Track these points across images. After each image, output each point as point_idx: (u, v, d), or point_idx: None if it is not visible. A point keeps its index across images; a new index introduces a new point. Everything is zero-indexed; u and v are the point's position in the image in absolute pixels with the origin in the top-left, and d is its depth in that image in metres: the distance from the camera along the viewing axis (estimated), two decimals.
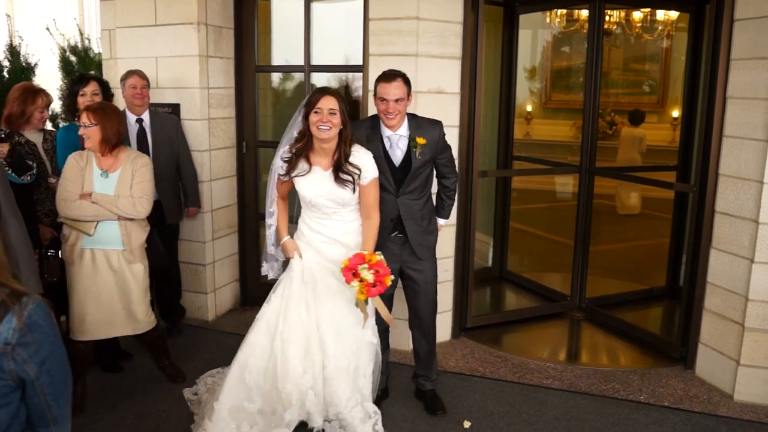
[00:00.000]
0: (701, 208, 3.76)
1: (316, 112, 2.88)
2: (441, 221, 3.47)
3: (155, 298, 4.43)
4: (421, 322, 3.43)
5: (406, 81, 3.09)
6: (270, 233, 3.23)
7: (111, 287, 3.31)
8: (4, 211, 2.61)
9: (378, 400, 3.43)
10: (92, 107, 3.24)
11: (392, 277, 2.97)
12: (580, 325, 4.71)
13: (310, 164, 2.98)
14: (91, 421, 3.29)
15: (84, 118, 3.19)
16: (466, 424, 3.31)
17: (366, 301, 2.97)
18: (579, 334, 4.64)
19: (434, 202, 3.43)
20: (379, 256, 2.91)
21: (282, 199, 3.20)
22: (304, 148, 2.98)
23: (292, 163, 2.99)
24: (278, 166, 3.06)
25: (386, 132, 3.14)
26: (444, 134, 3.24)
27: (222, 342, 4.28)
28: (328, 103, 2.87)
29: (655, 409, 3.50)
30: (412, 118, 3.20)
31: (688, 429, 3.31)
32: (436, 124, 3.21)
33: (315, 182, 2.98)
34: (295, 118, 3.03)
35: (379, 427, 3.14)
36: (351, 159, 2.97)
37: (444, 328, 4.29)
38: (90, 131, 3.18)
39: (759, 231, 3.39)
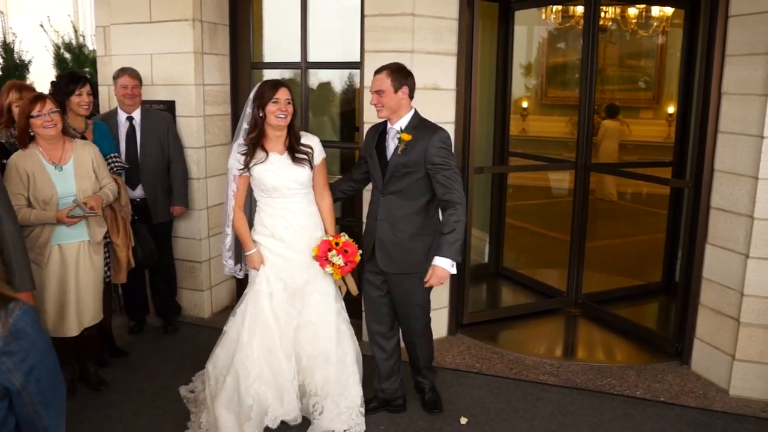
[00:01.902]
0: (697, 203, 3.77)
1: (275, 102, 3.00)
2: (437, 261, 2.94)
3: (151, 295, 4.44)
4: (403, 330, 3.41)
5: (393, 72, 3.01)
6: (228, 244, 3.30)
7: (80, 280, 3.31)
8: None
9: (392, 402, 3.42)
10: (45, 95, 3.23)
11: (360, 252, 3.12)
12: (576, 321, 4.72)
13: (266, 151, 3.08)
14: (88, 418, 3.29)
15: (49, 105, 3.16)
16: (463, 421, 3.31)
17: (343, 278, 3.22)
18: (575, 330, 4.66)
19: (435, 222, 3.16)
20: (344, 237, 3.08)
21: (240, 208, 3.19)
22: (258, 138, 3.07)
23: (249, 154, 3.06)
24: (235, 162, 3.10)
25: (389, 124, 3.15)
26: (439, 146, 2.98)
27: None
28: (285, 94, 3.02)
29: (651, 404, 3.51)
30: (416, 117, 3.10)
31: (684, 424, 3.32)
32: (433, 131, 3.02)
33: (274, 166, 3.07)
34: (244, 114, 3.13)
35: (355, 417, 3.18)
36: (302, 141, 3.14)
37: (440, 324, 4.30)
38: (56, 117, 3.19)
39: (754, 226, 3.40)
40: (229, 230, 3.28)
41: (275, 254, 3.13)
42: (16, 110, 3.49)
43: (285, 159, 3.09)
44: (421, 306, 3.25)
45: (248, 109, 3.11)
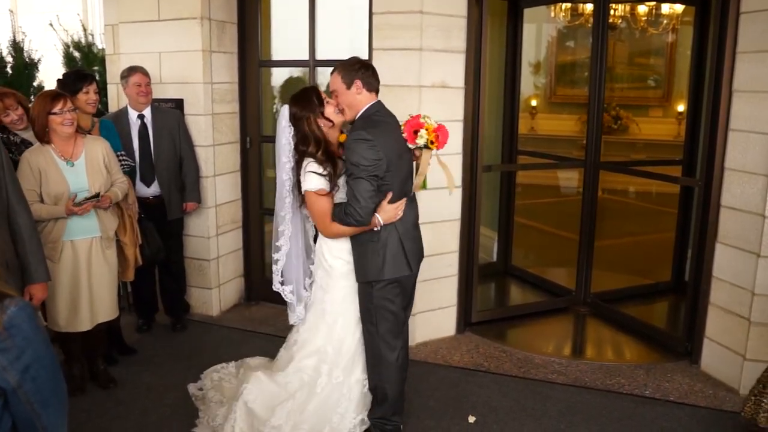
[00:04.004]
0: (707, 202, 3.75)
1: (328, 103, 2.87)
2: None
3: (160, 293, 4.46)
4: None
5: (343, 68, 2.80)
6: (280, 268, 3.06)
7: (92, 276, 3.35)
8: (12, 201, 2.65)
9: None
10: (65, 93, 3.27)
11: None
12: (585, 320, 4.70)
13: (339, 158, 2.88)
14: (97, 416, 3.30)
15: (69, 103, 3.21)
16: (471, 419, 3.30)
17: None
18: (584, 328, 4.64)
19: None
20: (434, 123, 2.90)
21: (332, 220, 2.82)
22: (326, 149, 2.86)
23: (335, 170, 2.81)
24: (319, 181, 2.78)
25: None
26: (348, 145, 2.71)
27: (227, 337, 4.29)
28: (323, 93, 2.92)
29: (661, 403, 3.49)
30: (364, 114, 2.83)
31: (694, 424, 3.30)
32: (355, 129, 2.77)
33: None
34: (282, 146, 2.90)
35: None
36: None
37: (448, 323, 4.30)
38: (74, 116, 3.24)
39: (765, 225, 3.37)
40: (279, 255, 3.07)
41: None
42: (6, 120, 3.52)
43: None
44: (363, 321, 2.98)
45: (284, 139, 2.88)
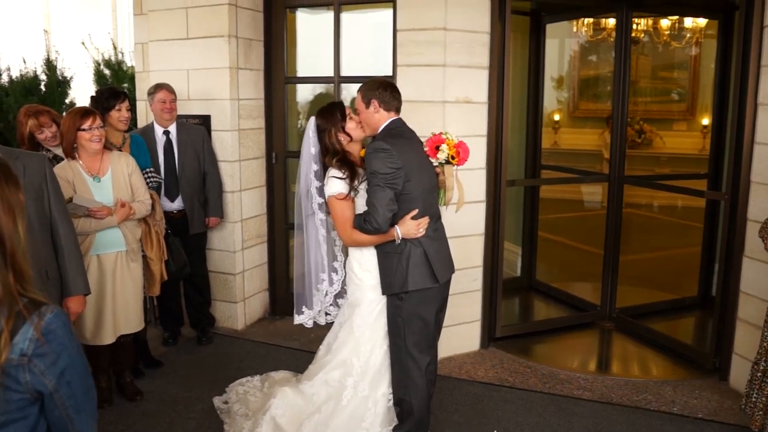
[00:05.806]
0: (733, 216, 3.71)
1: (351, 118, 2.97)
2: None
3: (185, 306, 4.52)
4: None
5: (363, 88, 2.91)
6: (327, 289, 3.16)
7: (116, 289, 3.41)
8: (55, 214, 2.73)
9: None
10: (95, 110, 3.36)
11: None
12: (611, 335, 4.66)
13: (359, 168, 2.97)
14: (124, 428, 3.35)
15: (98, 120, 3.30)
16: None
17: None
18: (609, 344, 4.59)
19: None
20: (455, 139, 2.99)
21: (353, 228, 2.87)
22: (344, 157, 2.94)
23: (353, 175, 2.89)
24: (339, 185, 2.86)
25: None
26: (367, 157, 2.80)
27: (252, 351, 4.32)
28: (347, 108, 3.01)
29: (689, 421, 3.44)
30: (383, 129, 2.91)
31: None
32: (374, 141, 2.88)
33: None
34: (311, 156, 3.02)
35: None
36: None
37: (473, 337, 4.29)
38: (103, 132, 3.33)
39: None
40: (324, 275, 3.15)
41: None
42: (41, 137, 3.63)
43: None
44: (390, 334, 2.99)
45: (314, 149, 3.00)
